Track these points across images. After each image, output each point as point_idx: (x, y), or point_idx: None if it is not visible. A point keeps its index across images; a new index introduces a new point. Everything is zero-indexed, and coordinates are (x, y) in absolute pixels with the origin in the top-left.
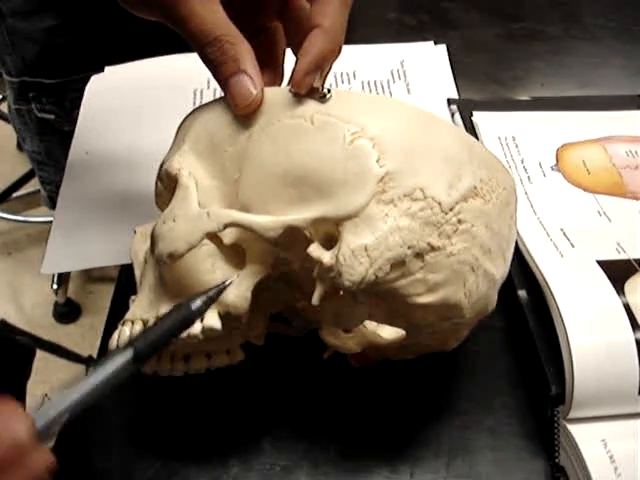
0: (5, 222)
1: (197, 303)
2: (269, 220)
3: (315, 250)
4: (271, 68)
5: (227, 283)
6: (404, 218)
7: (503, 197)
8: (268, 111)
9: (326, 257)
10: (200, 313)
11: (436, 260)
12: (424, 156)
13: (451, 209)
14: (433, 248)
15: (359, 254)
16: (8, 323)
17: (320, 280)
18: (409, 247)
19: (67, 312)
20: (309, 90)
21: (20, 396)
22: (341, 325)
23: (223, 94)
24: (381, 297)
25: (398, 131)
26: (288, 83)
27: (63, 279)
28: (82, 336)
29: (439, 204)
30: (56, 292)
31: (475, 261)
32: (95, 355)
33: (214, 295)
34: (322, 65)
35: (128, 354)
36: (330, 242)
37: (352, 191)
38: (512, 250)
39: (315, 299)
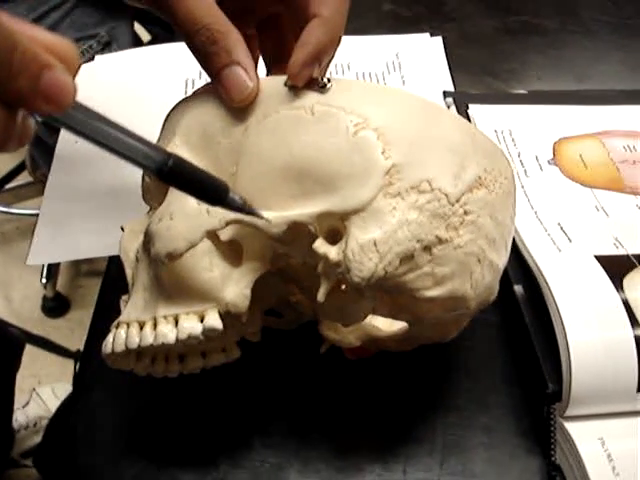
0: None
1: (236, 196)
2: (273, 216)
3: (321, 246)
4: (285, 60)
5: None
6: (412, 211)
7: (505, 186)
8: (264, 102)
9: (332, 253)
10: (228, 203)
11: (444, 253)
12: (429, 146)
13: (457, 200)
14: (441, 241)
15: (368, 249)
16: None
17: (325, 276)
18: (418, 241)
19: (56, 306)
20: (307, 82)
21: (9, 388)
22: (344, 320)
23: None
24: (387, 291)
25: (402, 121)
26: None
27: (52, 273)
28: (71, 330)
29: (446, 196)
30: (45, 286)
31: (481, 252)
32: (82, 349)
33: (245, 211)
34: (320, 57)
35: (159, 158)
36: (334, 236)
37: (358, 184)
38: (512, 239)
39: (321, 296)
